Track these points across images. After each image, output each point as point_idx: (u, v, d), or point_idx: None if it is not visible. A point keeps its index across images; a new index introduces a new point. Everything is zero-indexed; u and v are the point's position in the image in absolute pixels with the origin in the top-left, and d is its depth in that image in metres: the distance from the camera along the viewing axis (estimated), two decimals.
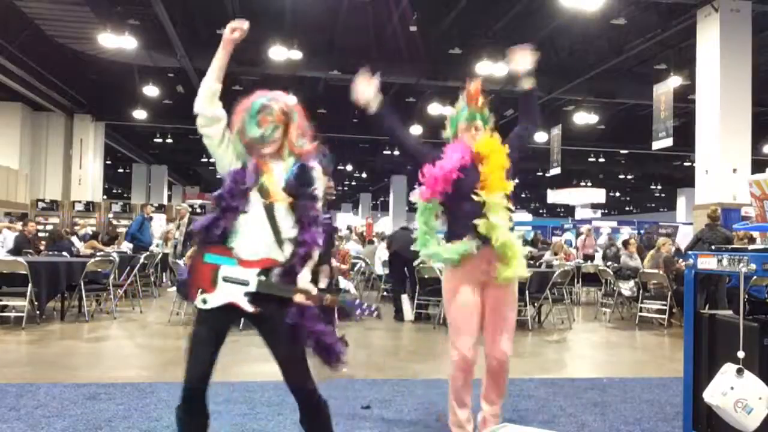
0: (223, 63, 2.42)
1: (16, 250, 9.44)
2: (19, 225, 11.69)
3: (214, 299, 2.30)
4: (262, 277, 2.31)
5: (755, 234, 6.24)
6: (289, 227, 2.36)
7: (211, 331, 2.34)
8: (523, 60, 3.32)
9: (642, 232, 20.02)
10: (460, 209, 3.18)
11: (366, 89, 3.30)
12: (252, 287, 2.30)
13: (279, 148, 2.41)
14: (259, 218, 2.33)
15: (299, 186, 2.37)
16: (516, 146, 3.31)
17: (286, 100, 2.46)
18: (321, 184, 2.46)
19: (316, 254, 2.39)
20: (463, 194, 3.14)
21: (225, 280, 2.31)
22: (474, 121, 3.28)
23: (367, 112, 3.35)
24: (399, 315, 8.69)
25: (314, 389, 2.38)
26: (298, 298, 2.29)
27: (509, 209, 3.19)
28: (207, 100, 2.36)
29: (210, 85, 2.38)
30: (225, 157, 2.40)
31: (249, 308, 2.30)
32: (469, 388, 3.28)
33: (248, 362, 5.31)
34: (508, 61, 3.40)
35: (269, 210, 2.33)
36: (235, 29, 2.43)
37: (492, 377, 3.29)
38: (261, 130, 2.37)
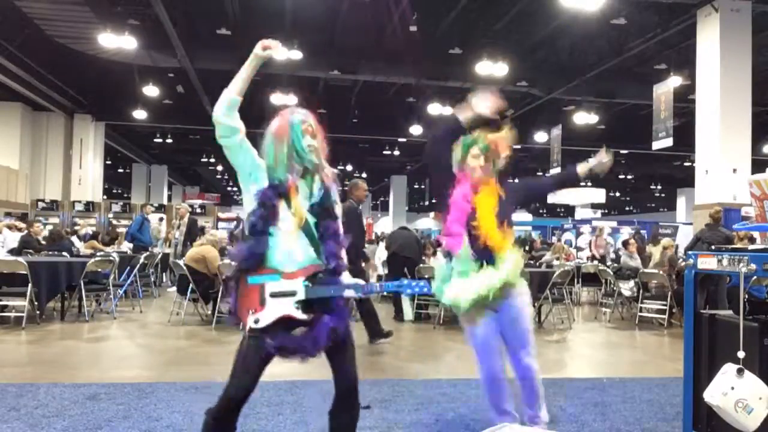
0: (248, 76, 2.41)
1: (18, 251, 9.45)
2: (19, 224, 11.69)
3: (265, 317, 2.34)
4: (309, 284, 2.36)
5: (755, 234, 6.24)
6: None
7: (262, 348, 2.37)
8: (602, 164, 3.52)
9: (632, 232, 20.06)
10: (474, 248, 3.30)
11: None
12: (301, 295, 2.35)
13: (317, 162, 2.46)
14: (293, 231, 2.38)
15: (323, 209, 2.45)
16: (517, 192, 3.48)
17: (314, 119, 2.53)
18: (339, 205, 2.56)
19: (343, 261, 2.48)
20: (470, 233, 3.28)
21: (272, 295, 2.34)
22: (487, 152, 3.33)
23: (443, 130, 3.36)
24: (399, 315, 8.68)
25: (357, 386, 2.49)
26: (348, 293, 2.38)
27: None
28: (224, 111, 2.36)
29: (230, 97, 2.37)
30: (245, 167, 2.42)
31: (302, 316, 2.35)
32: (505, 396, 3.37)
33: None
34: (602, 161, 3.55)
35: (304, 224, 2.40)
36: (268, 47, 2.41)
37: (522, 385, 3.39)
38: (307, 141, 2.43)
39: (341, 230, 2.50)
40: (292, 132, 2.42)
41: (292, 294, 2.34)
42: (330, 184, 2.51)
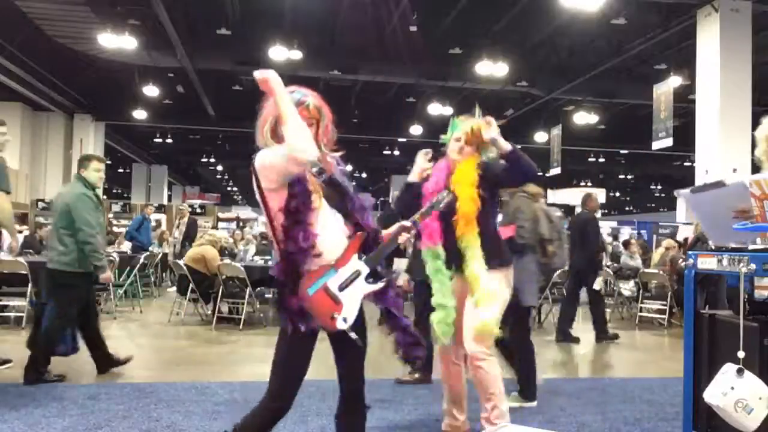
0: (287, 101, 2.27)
1: (19, 251, 9.43)
2: (23, 227, 11.70)
3: (349, 311, 2.23)
4: (363, 255, 2.29)
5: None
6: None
7: (311, 345, 2.32)
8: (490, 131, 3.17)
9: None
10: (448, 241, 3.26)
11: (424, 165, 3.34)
12: (366, 270, 2.26)
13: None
14: (327, 213, 2.28)
15: (333, 182, 2.36)
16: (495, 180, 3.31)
17: (317, 97, 2.40)
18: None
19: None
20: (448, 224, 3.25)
21: (341, 289, 2.23)
22: (468, 135, 3.31)
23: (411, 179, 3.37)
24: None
25: (363, 385, 2.39)
26: (402, 239, 2.33)
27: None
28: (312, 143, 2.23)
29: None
30: None
31: (378, 285, 2.28)
32: (460, 390, 3.44)
33: (248, 362, 5.31)
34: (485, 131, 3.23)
35: (330, 199, 2.31)
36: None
37: (473, 379, 3.36)
38: None
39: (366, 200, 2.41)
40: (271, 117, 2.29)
41: (358, 275, 2.25)
42: (334, 171, 2.37)
